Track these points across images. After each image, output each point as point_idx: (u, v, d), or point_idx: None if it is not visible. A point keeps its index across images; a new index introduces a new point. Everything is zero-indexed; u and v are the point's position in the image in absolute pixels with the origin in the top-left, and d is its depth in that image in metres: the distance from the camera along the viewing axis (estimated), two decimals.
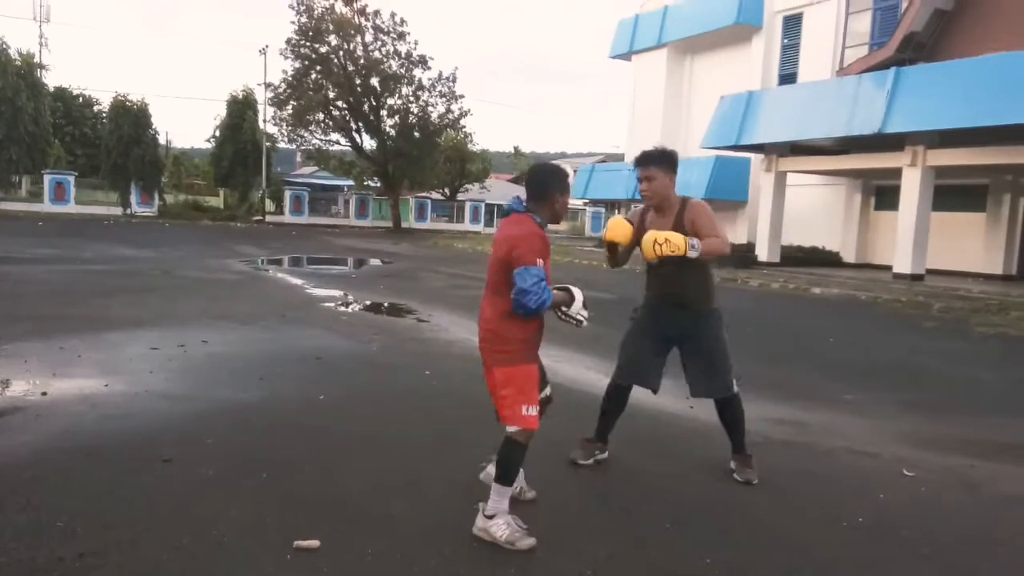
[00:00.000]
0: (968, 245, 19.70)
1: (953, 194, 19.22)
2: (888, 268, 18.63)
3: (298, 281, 13.45)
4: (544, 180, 3.21)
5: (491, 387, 3.22)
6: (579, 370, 6.64)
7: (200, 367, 6.06)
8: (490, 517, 3.07)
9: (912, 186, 17.40)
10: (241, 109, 36.89)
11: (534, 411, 3.08)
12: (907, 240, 17.49)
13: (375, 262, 19.03)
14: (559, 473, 3.93)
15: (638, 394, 4.24)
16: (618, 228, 3.95)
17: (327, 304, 10.52)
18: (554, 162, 3.80)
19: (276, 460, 3.91)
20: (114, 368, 5.82)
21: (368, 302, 10.98)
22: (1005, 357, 8.77)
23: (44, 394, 4.95)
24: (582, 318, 3.28)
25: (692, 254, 3.64)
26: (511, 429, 3.08)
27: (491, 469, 3.28)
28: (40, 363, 5.86)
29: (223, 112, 37.36)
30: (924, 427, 5.36)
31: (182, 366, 6.03)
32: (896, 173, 18.07)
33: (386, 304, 10.87)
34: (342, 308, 10.26)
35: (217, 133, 37.72)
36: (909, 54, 17.94)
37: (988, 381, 7.19)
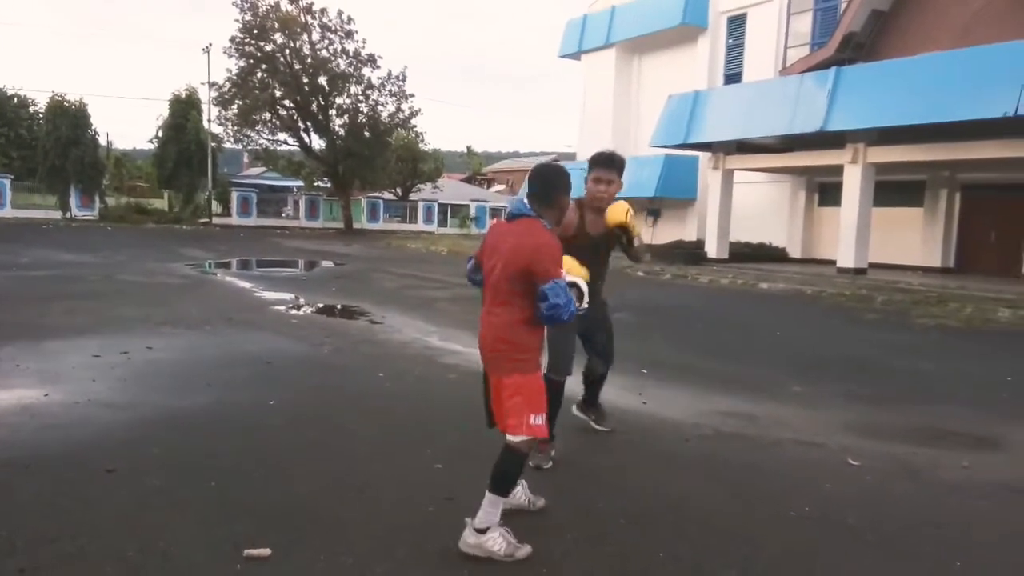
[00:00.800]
0: (907, 239, 20.33)
1: (892, 190, 19.80)
2: (832, 263, 19.12)
3: (246, 284, 13.19)
4: (550, 181, 3.10)
5: (495, 396, 3.06)
6: None
7: (144, 374, 5.89)
8: (482, 531, 2.91)
9: (853, 182, 17.87)
10: (184, 109, 36.06)
11: (541, 420, 2.98)
12: (850, 235, 17.96)
13: (327, 264, 18.78)
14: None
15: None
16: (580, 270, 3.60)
17: (277, 307, 10.34)
18: (559, 163, 3.77)
19: (224, 468, 3.82)
20: (54, 377, 5.62)
21: (320, 304, 10.83)
22: (944, 347, 9.08)
23: None
24: (584, 310, 3.28)
25: (638, 241, 4.16)
26: (514, 438, 2.95)
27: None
28: None
29: (165, 112, 36.48)
30: (868, 417, 5.51)
31: (125, 374, 5.85)
32: (838, 170, 18.54)
33: (338, 306, 10.74)
34: (292, 311, 10.09)
35: (160, 134, 36.80)
36: (848, 54, 18.44)
37: (928, 371, 7.44)
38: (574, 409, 4.77)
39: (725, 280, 16.52)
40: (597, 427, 4.75)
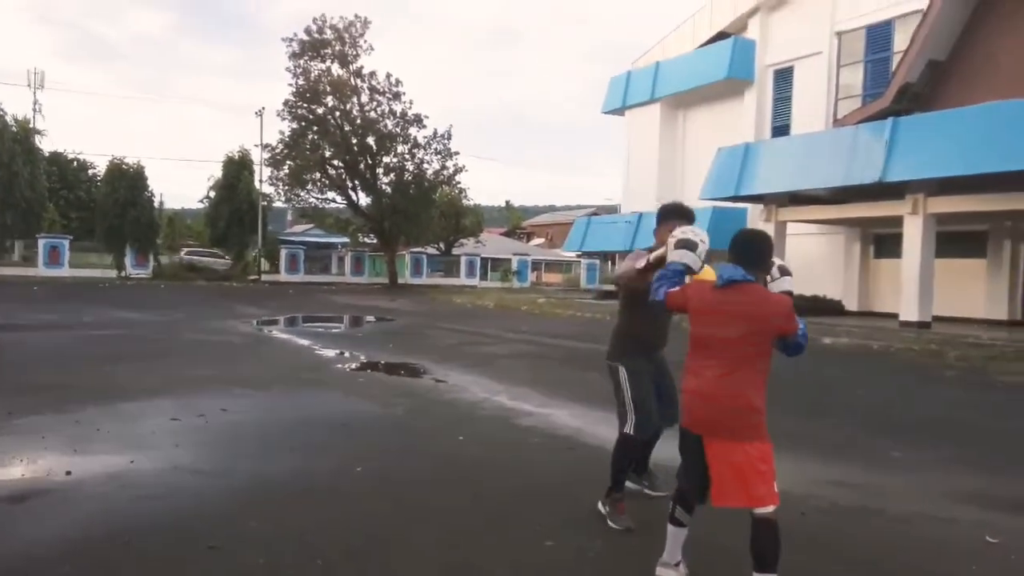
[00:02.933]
0: (971, 291, 19.71)
1: (953, 240, 19.30)
2: (891, 316, 18.58)
3: (305, 342, 13.21)
4: (765, 247, 3.23)
5: (723, 464, 2.97)
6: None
7: (225, 438, 5.81)
8: None
9: (914, 234, 17.47)
10: (237, 170, 37.14)
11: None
12: (912, 288, 17.47)
13: (378, 320, 18.82)
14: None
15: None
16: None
17: (340, 365, 10.29)
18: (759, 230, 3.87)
19: (328, 545, 3.65)
20: (137, 442, 5.55)
21: (381, 362, 10.75)
22: None
23: (68, 473, 4.68)
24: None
25: None
26: (765, 510, 2.90)
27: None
28: (58, 438, 5.59)
29: (217, 173, 37.61)
30: (984, 486, 5.15)
31: (206, 438, 5.78)
32: (895, 221, 18.17)
33: (400, 364, 10.63)
34: (356, 369, 10.03)
35: (211, 194, 37.86)
36: (905, 104, 18.20)
37: None
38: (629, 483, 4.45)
39: None
40: (653, 493, 4.46)
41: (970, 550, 3.84)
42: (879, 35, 21.98)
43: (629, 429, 4.06)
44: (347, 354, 11.55)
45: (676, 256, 3.31)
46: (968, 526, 4.23)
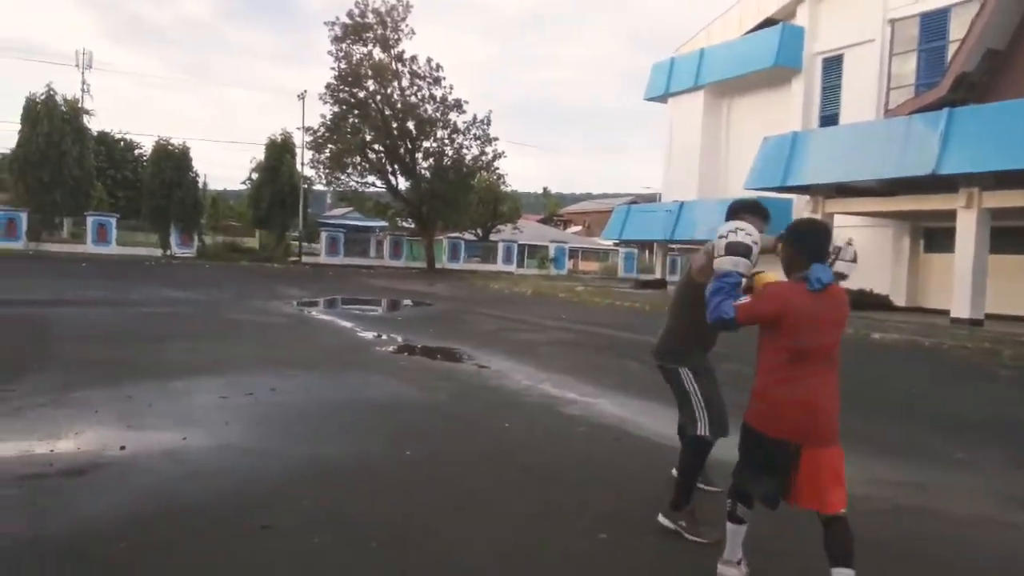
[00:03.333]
0: None
1: (1007, 236, 18.67)
2: (941, 312, 18.08)
3: (347, 324, 13.29)
4: (830, 240, 3.14)
5: (815, 468, 2.90)
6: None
7: (275, 418, 5.84)
8: None
9: (968, 228, 16.95)
10: (279, 152, 37.46)
11: None
12: (965, 284, 16.97)
13: (417, 304, 18.88)
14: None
15: None
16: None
17: (383, 348, 10.33)
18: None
19: (382, 527, 3.64)
20: (188, 419, 5.61)
21: (422, 346, 10.76)
22: None
23: (123, 448, 4.74)
24: None
25: None
26: (842, 511, 2.87)
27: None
28: (111, 413, 5.67)
29: (260, 155, 37.99)
30: None
31: (256, 416, 5.81)
32: (947, 215, 17.64)
33: (441, 348, 10.63)
34: (397, 352, 10.05)
35: (254, 176, 38.29)
36: (961, 94, 17.62)
37: None
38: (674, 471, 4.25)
39: None
40: (711, 489, 4.29)
41: None
42: (934, 23, 21.28)
43: (703, 431, 3.81)
44: (388, 337, 11.59)
45: (729, 265, 3.01)
46: None
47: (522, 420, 6.20)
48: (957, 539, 3.95)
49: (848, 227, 22.14)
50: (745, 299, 3.00)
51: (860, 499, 4.41)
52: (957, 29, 19.70)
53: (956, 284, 17.20)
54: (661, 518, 3.79)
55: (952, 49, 19.26)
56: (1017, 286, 19.13)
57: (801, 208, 22.95)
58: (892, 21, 22.34)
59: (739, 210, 3.85)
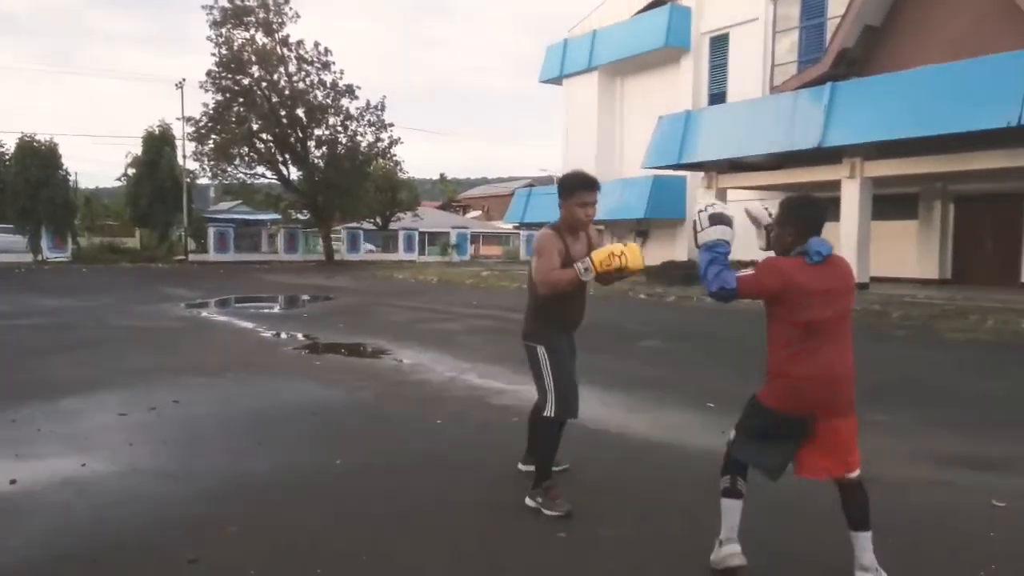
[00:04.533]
0: (904, 252, 20.34)
1: (886, 203, 19.81)
2: None
3: (248, 324, 12.60)
4: (821, 218, 3.11)
5: (838, 436, 2.95)
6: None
7: (184, 434, 5.36)
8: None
9: (852, 197, 17.83)
10: (158, 145, 35.36)
11: None
12: (850, 250, 17.84)
13: (321, 299, 18.20)
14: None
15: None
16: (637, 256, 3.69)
17: (291, 348, 9.82)
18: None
19: (324, 550, 3.33)
20: (85, 442, 5.07)
21: (335, 343, 10.31)
22: (993, 364, 8.78)
23: (13, 482, 4.19)
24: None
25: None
26: (856, 473, 2.99)
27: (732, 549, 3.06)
28: None
29: (136, 149, 35.75)
30: (972, 448, 5.17)
31: (163, 435, 5.32)
32: (832, 185, 18.50)
33: (355, 345, 10.21)
34: (310, 352, 9.58)
35: (130, 171, 36.00)
36: (843, 69, 18.46)
37: (996, 391, 7.13)
38: (521, 466, 4.36)
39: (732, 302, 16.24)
40: (558, 467, 4.19)
41: (982, 516, 3.78)
42: (814, 1, 22.21)
43: (550, 412, 3.83)
44: (297, 336, 11.06)
45: (718, 234, 3.03)
46: (967, 491, 4.19)
47: (453, 415, 5.96)
48: (896, 503, 3.99)
49: (741, 201, 22.94)
50: (748, 271, 2.97)
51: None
52: (835, 6, 20.61)
53: (842, 250, 18.07)
54: (526, 499, 3.84)
55: (832, 26, 20.15)
56: (897, 250, 20.36)
57: (695, 185, 23.62)
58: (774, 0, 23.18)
59: (576, 187, 3.81)
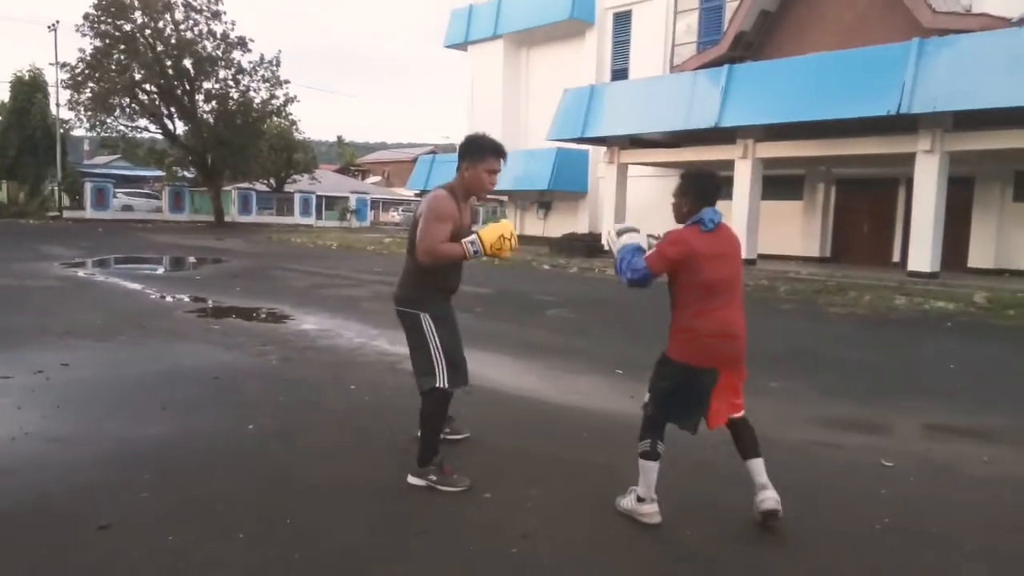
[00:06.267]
0: (789, 231, 21.47)
1: (775, 184, 20.81)
2: None
3: (136, 286, 11.93)
4: (714, 190, 3.41)
5: (732, 387, 3.33)
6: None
7: (79, 398, 5.04)
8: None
9: (744, 177, 18.62)
10: (28, 92, 32.74)
11: None
12: (741, 227, 18.64)
13: (213, 261, 17.42)
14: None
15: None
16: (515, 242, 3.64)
17: (186, 312, 9.37)
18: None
19: (243, 515, 3.23)
20: None
21: (233, 306, 9.92)
22: (873, 336, 9.40)
23: None
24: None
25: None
26: (743, 413, 3.41)
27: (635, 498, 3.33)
28: None
29: (2, 95, 32.87)
30: (861, 413, 5.55)
31: (55, 398, 4.98)
32: (726, 165, 19.27)
33: (255, 309, 9.86)
34: (206, 316, 9.18)
35: None
36: (739, 52, 19.14)
37: (878, 362, 7.67)
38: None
39: None
40: (457, 437, 4.30)
41: (873, 475, 4.09)
42: None
43: (442, 383, 3.60)
44: (189, 299, 10.57)
45: (627, 239, 3.39)
46: (858, 451, 4.52)
47: (366, 381, 5.87)
48: (793, 464, 4.26)
49: (640, 177, 23.55)
50: (651, 251, 3.25)
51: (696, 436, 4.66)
52: None
53: (734, 227, 18.72)
54: (410, 478, 3.64)
55: (730, 9, 20.79)
56: (781, 228, 21.47)
57: (597, 159, 24.02)
58: None
59: (487, 151, 3.64)
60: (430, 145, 62.65)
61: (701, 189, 3.32)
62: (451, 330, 3.72)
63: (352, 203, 44.00)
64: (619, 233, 3.44)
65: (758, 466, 3.32)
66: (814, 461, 4.35)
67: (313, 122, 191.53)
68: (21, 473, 3.62)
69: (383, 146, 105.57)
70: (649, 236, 3.48)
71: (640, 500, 3.29)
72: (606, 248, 3.49)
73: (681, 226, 3.34)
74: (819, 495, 3.77)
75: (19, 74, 32.97)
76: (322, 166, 54.91)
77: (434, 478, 3.59)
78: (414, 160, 38.89)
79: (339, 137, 69.38)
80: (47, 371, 5.68)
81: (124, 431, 4.34)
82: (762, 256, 19.46)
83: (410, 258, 3.72)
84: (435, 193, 3.64)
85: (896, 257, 19.61)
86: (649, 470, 3.27)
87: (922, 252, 15.60)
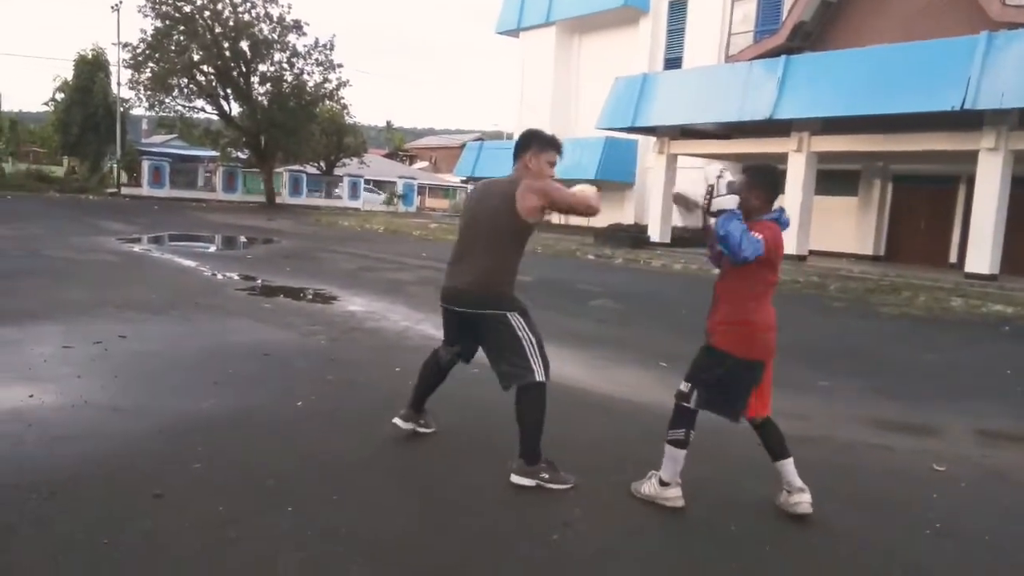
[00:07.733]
0: (842, 227, 20.99)
1: (829, 179, 20.35)
2: None
3: (190, 263, 12.23)
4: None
5: (765, 382, 3.34)
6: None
7: (136, 370, 5.20)
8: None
9: (798, 171, 18.24)
10: (91, 71, 33.65)
11: None
12: (792, 223, 18.24)
13: (264, 241, 17.77)
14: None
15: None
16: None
17: (238, 290, 9.59)
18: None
19: (295, 489, 3.31)
20: (31, 373, 4.87)
21: (283, 286, 10.11)
22: (926, 337, 9.19)
23: None
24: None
25: None
26: (768, 414, 3.40)
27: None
28: None
29: (65, 74, 33.89)
30: (913, 416, 5.43)
31: (113, 369, 5.15)
32: (780, 158, 18.89)
33: (305, 289, 10.03)
34: (257, 294, 9.38)
35: (59, 96, 34.15)
36: (798, 42, 18.71)
37: (932, 362, 7.50)
38: (399, 422, 4.07)
39: (678, 265, 16.58)
40: (427, 431, 4.19)
41: (924, 478, 4.00)
42: None
43: (541, 376, 3.55)
44: (240, 277, 10.80)
45: (731, 203, 3.13)
46: (909, 454, 4.42)
47: (412, 364, 5.88)
48: (842, 465, 4.19)
49: (687, 168, 23.22)
50: (757, 235, 3.13)
51: (747, 431, 4.60)
52: None
53: None
54: (515, 478, 3.51)
55: None
56: (834, 224, 21.01)
57: (647, 149, 23.78)
58: None
59: (549, 145, 3.78)
60: (478, 132, 62.72)
61: (773, 184, 3.36)
62: (534, 323, 3.68)
63: (399, 188, 44.35)
64: (728, 186, 3.14)
65: (789, 466, 3.32)
66: (863, 462, 4.26)
67: (363, 106, 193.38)
68: (81, 440, 3.75)
69: (431, 132, 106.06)
70: (730, 183, 3.18)
71: (664, 484, 3.33)
72: (704, 200, 3.18)
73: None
74: (868, 497, 3.70)
75: (83, 53, 33.96)
76: (371, 150, 55.46)
77: (546, 476, 3.50)
78: (461, 146, 38.99)
79: (388, 122, 69.95)
80: (105, 342, 5.87)
81: (178, 403, 4.46)
82: (813, 252, 19.08)
83: (490, 257, 3.67)
84: (523, 181, 3.66)
85: (953, 258, 19.05)
86: (678, 458, 3.32)
87: (981, 253, 15.11)
